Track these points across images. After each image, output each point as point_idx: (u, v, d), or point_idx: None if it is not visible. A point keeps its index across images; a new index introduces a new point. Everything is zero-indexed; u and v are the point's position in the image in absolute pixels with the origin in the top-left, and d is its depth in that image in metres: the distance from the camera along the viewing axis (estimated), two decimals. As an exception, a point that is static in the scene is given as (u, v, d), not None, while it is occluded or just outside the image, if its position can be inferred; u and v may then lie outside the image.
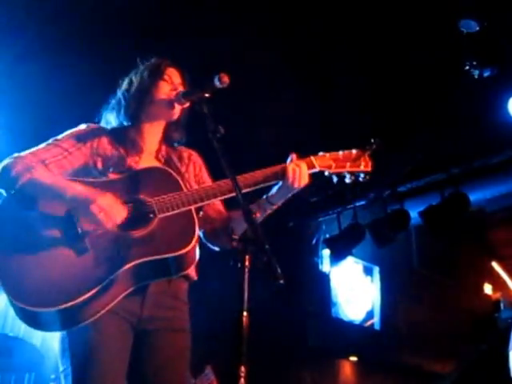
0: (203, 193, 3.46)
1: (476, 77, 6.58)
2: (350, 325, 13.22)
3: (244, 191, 3.34)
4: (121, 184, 3.44)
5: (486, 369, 10.09)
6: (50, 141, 3.56)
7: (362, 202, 10.63)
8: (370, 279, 13.91)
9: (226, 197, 3.50)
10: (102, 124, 3.79)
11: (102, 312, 3.16)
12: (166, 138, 3.85)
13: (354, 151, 3.85)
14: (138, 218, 3.31)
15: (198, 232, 3.45)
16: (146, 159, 3.70)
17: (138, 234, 3.28)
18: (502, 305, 15.93)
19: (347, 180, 3.86)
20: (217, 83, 3.34)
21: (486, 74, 6.57)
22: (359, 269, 13.73)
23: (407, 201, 10.14)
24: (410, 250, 14.61)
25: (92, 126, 3.71)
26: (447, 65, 7.04)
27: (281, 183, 3.64)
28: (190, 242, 3.31)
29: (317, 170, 3.76)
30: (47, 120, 6.16)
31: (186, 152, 3.91)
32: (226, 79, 3.33)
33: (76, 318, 3.11)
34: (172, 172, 3.59)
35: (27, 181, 3.28)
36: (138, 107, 3.67)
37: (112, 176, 3.51)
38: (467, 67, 6.56)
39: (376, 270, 13.99)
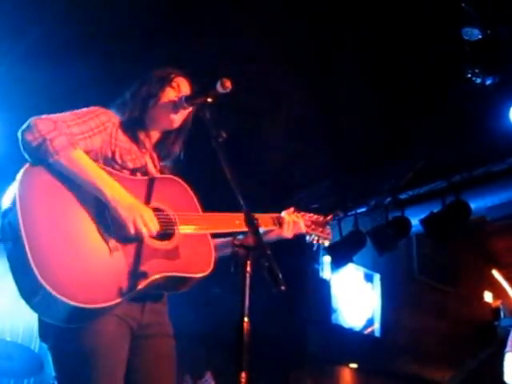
0: (220, 221, 3.55)
1: (478, 84, 6.58)
2: (350, 332, 13.23)
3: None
4: (143, 187, 3.42)
5: (486, 377, 10.07)
6: (73, 114, 3.39)
7: (363, 209, 10.62)
8: (370, 286, 13.92)
9: (237, 230, 3.55)
10: None
11: (109, 312, 3.11)
12: (158, 146, 3.82)
13: (321, 217, 4.31)
14: (160, 228, 3.29)
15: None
16: (148, 160, 3.69)
17: (164, 246, 3.28)
18: (502, 313, 15.95)
19: (314, 241, 4.28)
20: (219, 88, 3.32)
21: (488, 82, 6.58)
22: (360, 276, 13.74)
23: (408, 208, 10.13)
24: (410, 257, 14.63)
25: (110, 112, 3.61)
26: (449, 72, 7.05)
27: (273, 228, 3.97)
28: (210, 266, 3.36)
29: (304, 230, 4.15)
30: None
31: (165, 169, 3.85)
32: (228, 84, 3.30)
33: (88, 316, 3.04)
34: (188, 189, 3.62)
35: (66, 158, 3.15)
36: (143, 110, 3.66)
37: (134, 176, 3.48)
38: (469, 75, 6.56)
39: (377, 277, 14.00)
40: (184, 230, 3.36)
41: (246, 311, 2.81)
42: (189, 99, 3.58)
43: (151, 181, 3.48)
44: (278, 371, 10.89)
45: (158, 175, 3.62)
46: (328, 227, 4.33)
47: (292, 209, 4.10)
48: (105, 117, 3.50)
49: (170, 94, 3.66)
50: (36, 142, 3.12)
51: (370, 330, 13.66)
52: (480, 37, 6.12)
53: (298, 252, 12.02)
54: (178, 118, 3.69)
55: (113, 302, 3.02)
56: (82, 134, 3.31)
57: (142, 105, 3.66)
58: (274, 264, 2.77)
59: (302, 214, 4.18)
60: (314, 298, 12.38)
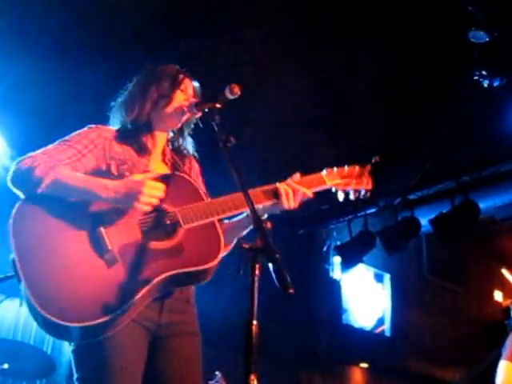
0: (225, 205, 3.45)
1: (486, 86, 6.61)
2: (360, 331, 13.23)
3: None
4: None
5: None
6: (60, 142, 3.46)
7: (373, 210, 10.65)
8: (380, 286, 13.92)
9: (242, 211, 3.51)
10: (110, 124, 3.77)
11: (126, 323, 3.12)
12: (171, 143, 3.88)
13: (356, 168, 3.91)
14: (162, 227, 3.30)
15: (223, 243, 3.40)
16: (154, 161, 3.71)
17: (165, 245, 3.27)
18: (512, 312, 15.92)
19: (351, 196, 3.89)
20: (228, 94, 3.36)
21: (495, 84, 6.61)
22: (370, 276, 13.74)
23: (417, 208, 10.16)
24: (420, 257, 14.62)
25: (101, 127, 3.64)
26: (457, 74, 7.07)
27: (268, 203, 3.63)
28: (218, 255, 3.30)
29: (328, 186, 3.79)
30: (60, 123, 6.18)
31: (186, 157, 3.91)
32: (237, 90, 3.35)
33: (101, 331, 3.06)
34: (191, 180, 3.61)
35: (52, 181, 3.19)
36: (151, 111, 3.69)
37: None
38: (476, 77, 6.59)
39: (387, 277, 14.00)
40: (187, 224, 3.33)
41: (255, 314, 2.82)
42: (198, 105, 3.59)
43: None
44: (288, 371, 10.92)
45: (155, 174, 3.47)
46: (367, 176, 3.89)
47: (298, 175, 3.69)
48: (94, 134, 3.55)
49: (179, 98, 3.70)
50: (21, 178, 3.22)
51: (380, 329, 13.67)
52: (487, 39, 6.16)
53: (309, 252, 12.06)
54: (184, 120, 3.76)
55: (117, 313, 3.03)
56: (70, 159, 3.37)
57: (152, 105, 3.69)
58: (283, 267, 2.75)
59: (329, 170, 3.82)
60: (325, 298, 12.40)
